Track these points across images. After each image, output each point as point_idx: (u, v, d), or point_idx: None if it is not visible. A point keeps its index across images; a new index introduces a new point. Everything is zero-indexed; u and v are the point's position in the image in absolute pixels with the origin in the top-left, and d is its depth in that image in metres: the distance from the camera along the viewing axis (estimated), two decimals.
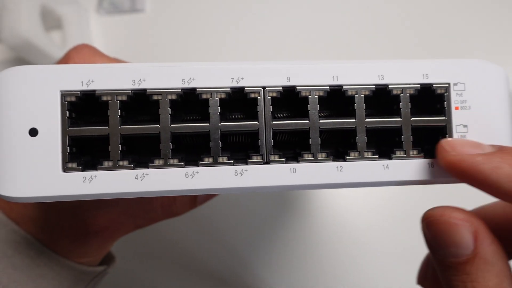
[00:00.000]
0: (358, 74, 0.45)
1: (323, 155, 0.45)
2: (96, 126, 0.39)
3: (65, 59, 0.51)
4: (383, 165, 0.40)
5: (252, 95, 0.44)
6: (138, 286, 0.84)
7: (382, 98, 0.41)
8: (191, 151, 0.47)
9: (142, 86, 0.40)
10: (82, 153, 0.41)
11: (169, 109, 0.40)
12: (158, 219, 0.52)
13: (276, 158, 0.44)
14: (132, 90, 0.39)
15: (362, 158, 0.44)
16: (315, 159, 0.45)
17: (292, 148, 0.43)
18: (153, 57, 0.89)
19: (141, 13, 0.92)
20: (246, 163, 0.40)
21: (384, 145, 0.42)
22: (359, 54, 0.90)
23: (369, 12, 0.94)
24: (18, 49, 0.71)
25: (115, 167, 0.39)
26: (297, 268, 0.78)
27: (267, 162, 0.44)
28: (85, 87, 0.39)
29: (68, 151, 0.37)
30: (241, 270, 0.76)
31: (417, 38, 0.89)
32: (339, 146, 0.43)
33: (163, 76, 0.40)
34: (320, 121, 0.45)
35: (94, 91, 0.39)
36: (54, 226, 0.47)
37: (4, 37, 0.70)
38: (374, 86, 0.45)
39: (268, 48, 0.93)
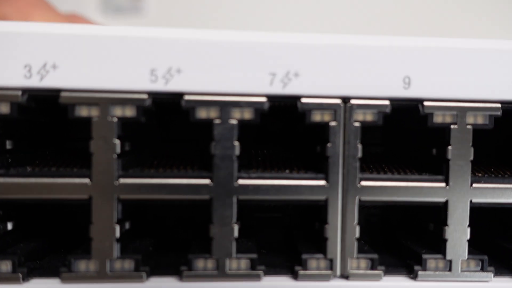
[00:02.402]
0: None
1: (472, 264, 0.19)
2: None
3: None
4: None
5: (317, 118, 0.18)
6: None
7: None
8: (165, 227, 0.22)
9: (48, 83, 0.18)
10: None
11: (117, 142, 0.19)
12: None
13: (362, 265, 0.19)
14: (25, 89, 0.19)
15: None
16: (454, 275, 0.19)
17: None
18: None
19: (144, 16, 0.85)
20: (294, 274, 0.20)
21: None
22: None
23: None
24: None
25: None
26: None
27: (345, 277, 0.19)
28: None
29: None
30: None
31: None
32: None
33: (103, 59, 0.19)
34: (474, 186, 0.19)
35: None
36: None
37: None
38: None
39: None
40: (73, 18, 0.43)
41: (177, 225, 0.25)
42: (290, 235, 0.23)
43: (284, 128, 0.24)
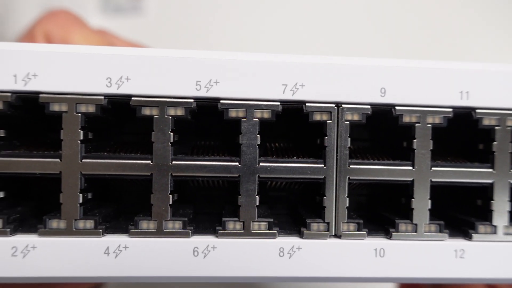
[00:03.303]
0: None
1: (432, 227, 0.26)
2: (37, 158, 0.25)
3: (36, 27, 0.40)
4: None
5: (317, 117, 0.25)
6: None
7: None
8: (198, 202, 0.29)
9: (123, 90, 0.25)
10: (15, 199, 0.22)
11: (170, 133, 0.25)
12: None
13: (351, 228, 0.26)
14: (106, 95, 0.25)
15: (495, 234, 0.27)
16: (419, 235, 0.26)
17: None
18: None
19: (144, 16, 0.88)
20: (300, 234, 0.27)
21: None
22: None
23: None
24: None
25: (70, 231, 0.25)
26: None
27: (338, 236, 0.25)
28: (20, 86, 0.24)
29: None
30: None
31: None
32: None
33: (162, 73, 0.25)
34: (433, 169, 0.25)
35: (37, 93, 0.25)
36: None
37: (9, 38, 0.68)
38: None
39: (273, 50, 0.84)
40: (103, 33, 0.48)
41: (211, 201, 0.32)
42: (295, 208, 0.30)
43: (292, 128, 0.31)
